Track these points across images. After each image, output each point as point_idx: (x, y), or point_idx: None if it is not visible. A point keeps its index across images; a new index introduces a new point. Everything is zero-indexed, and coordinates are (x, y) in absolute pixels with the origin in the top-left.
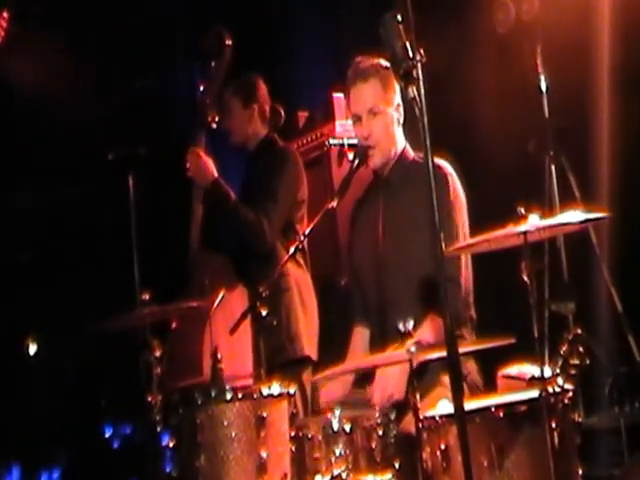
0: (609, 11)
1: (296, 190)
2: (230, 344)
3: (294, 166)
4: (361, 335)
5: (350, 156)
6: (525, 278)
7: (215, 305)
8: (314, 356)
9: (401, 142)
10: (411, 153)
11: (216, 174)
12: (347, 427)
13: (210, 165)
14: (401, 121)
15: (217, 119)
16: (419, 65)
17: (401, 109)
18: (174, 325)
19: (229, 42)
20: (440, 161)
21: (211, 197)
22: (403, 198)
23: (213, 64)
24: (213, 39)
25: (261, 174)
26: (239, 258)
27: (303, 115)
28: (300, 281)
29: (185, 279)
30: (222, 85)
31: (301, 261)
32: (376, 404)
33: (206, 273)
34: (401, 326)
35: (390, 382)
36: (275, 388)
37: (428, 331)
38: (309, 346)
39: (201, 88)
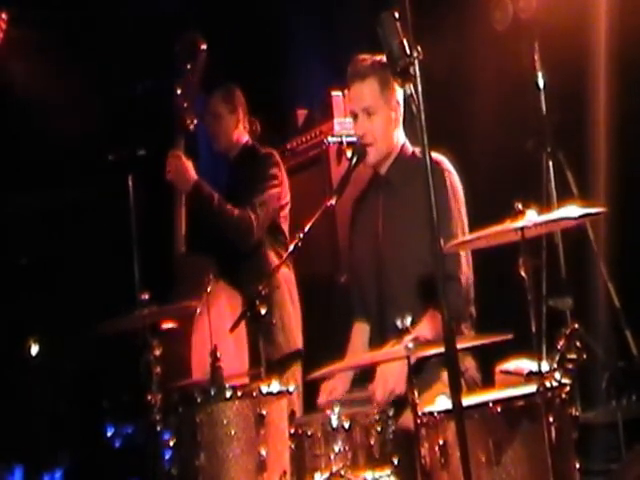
0: (606, 8)
1: (280, 190)
2: (223, 343)
3: (278, 169)
4: (361, 330)
5: (349, 154)
6: (523, 274)
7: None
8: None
9: (400, 139)
10: (410, 149)
11: (196, 176)
12: (346, 424)
13: (190, 167)
14: (400, 119)
15: (195, 122)
16: (416, 62)
17: (401, 108)
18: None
19: (203, 46)
20: (438, 157)
21: (194, 199)
22: (402, 195)
23: (188, 67)
24: (187, 43)
25: (245, 176)
26: (226, 257)
27: (302, 113)
28: (287, 278)
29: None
30: (198, 88)
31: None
32: (378, 400)
33: (191, 275)
34: (399, 323)
35: (391, 378)
36: (274, 386)
37: (427, 327)
38: (299, 339)
39: (178, 92)
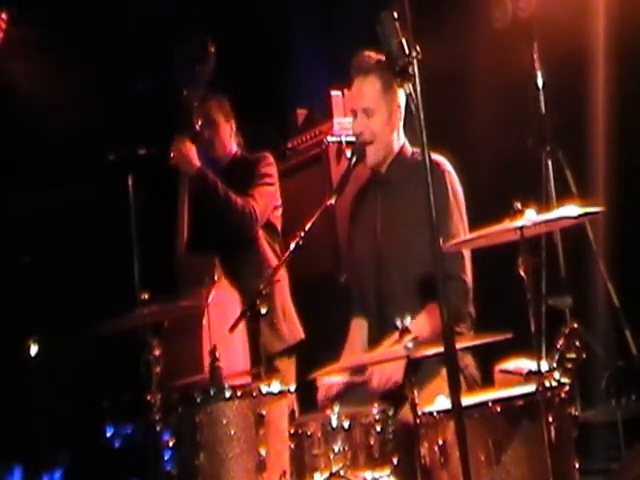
0: (605, 7)
1: (275, 189)
2: (225, 342)
3: (272, 169)
4: (359, 326)
5: (348, 153)
6: (522, 273)
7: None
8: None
9: (400, 139)
10: (409, 149)
11: (199, 163)
12: (346, 424)
13: (193, 153)
14: (401, 120)
15: (200, 123)
16: (415, 62)
17: (402, 108)
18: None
19: (212, 49)
20: (439, 158)
21: (198, 187)
22: (401, 195)
23: (197, 69)
24: (197, 45)
25: (240, 178)
26: (225, 254)
27: (302, 113)
28: (282, 274)
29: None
30: (207, 90)
31: (280, 253)
32: (375, 387)
33: (193, 273)
34: (398, 322)
35: (387, 365)
36: (274, 386)
37: (424, 323)
38: (301, 329)
39: (185, 93)
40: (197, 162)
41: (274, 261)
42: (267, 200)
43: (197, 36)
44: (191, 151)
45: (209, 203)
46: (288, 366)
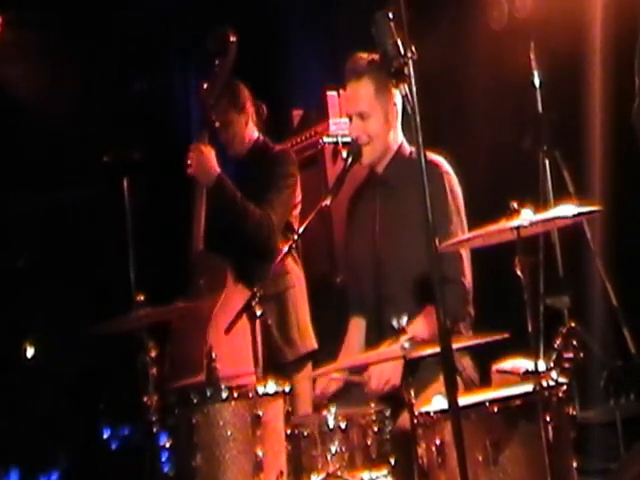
0: (601, 7)
1: (295, 188)
2: (233, 343)
3: (294, 167)
4: (357, 325)
5: (344, 154)
6: (519, 273)
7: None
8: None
9: (397, 139)
10: (408, 148)
11: (219, 169)
12: (343, 424)
13: (213, 160)
14: (398, 119)
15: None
16: (411, 62)
17: (398, 107)
18: (174, 325)
19: (234, 39)
20: (437, 159)
21: (215, 195)
22: (399, 195)
23: (217, 63)
24: (218, 38)
25: (259, 175)
26: (241, 258)
27: (298, 114)
28: (300, 278)
29: (185, 280)
30: (226, 84)
31: (297, 258)
32: (373, 389)
33: (207, 274)
34: (395, 323)
35: (386, 367)
36: (270, 387)
37: (422, 325)
38: (314, 339)
39: (204, 86)
40: (217, 168)
41: (289, 262)
42: (286, 206)
43: (218, 29)
44: (211, 155)
45: (225, 212)
46: (304, 373)
